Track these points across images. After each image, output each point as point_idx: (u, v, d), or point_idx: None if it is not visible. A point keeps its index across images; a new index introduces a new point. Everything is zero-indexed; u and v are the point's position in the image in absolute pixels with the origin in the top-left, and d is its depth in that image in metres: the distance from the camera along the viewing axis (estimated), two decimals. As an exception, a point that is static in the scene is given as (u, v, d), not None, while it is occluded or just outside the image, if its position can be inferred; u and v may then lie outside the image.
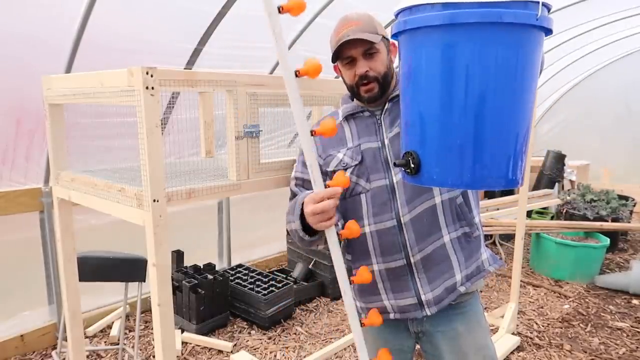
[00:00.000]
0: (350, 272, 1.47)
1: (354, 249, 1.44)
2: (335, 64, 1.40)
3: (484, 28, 0.94)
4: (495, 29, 0.94)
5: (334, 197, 1.16)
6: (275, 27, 1.09)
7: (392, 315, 1.43)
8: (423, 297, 1.36)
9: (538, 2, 0.93)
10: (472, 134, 0.99)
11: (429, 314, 1.38)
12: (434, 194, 1.33)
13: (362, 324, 1.25)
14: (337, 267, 1.21)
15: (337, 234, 1.19)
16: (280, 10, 1.07)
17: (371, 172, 1.36)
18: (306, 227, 1.24)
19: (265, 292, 3.24)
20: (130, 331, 3.14)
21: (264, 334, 3.16)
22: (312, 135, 1.16)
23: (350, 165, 1.37)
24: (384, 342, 1.50)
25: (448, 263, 1.36)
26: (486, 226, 4.18)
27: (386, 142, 1.35)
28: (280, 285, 3.35)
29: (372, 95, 1.34)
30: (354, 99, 1.44)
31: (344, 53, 1.32)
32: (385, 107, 1.38)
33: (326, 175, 1.41)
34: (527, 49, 0.97)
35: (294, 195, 1.42)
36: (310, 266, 3.79)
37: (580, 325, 3.35)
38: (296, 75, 1.11)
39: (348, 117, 1.43)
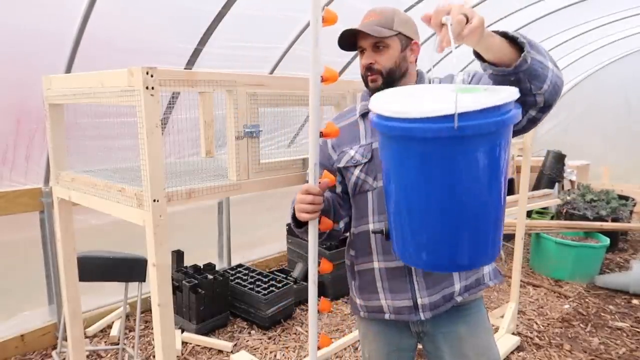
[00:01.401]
0: (352, 268, 1.49)
1: (358, 246, 1.45)
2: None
3: (426, 141, 0.96)
4: (432, 141, 0.95)
5: (317, 194, 1.26)
6: (318, 36, 1.20)
7: (387, 316, 1.43)
8: (419, 301, 1.37)
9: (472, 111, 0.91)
10: (431, 229, 1.05)
11: (423, 318, 1.39)
12: None
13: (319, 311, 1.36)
14: (310, 258, 1.33)
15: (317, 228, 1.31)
16: (322, 20, 1.20)
17: (379, 171, 1.37)
18: (295, 217, 1.34)
19: (265, 292, 3.24)
20: (130, 331, 3.14)
21: (264, 334, 3.16)
22: (320, 136, 1.26)
23: (360, 163, 1.39)
24: (384, 341, 1.50)
25: (448, 273, 1.37)
26: (486, 226, 4.17)
27: None
28: (280, 285, 3.35)
29: (375, 86, 1.36)
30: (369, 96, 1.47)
31: (358, 43, 1.37)
32: None
33: (339, 171, 1.45)
34: (474, 153, 0.96)
35: None
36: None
37: (580, 325, 3.35)
38: (321, 81, 1.24)
39: (364, 115, 1.44)
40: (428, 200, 1.02)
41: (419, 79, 1.42)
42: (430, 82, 1.41)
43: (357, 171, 1.39)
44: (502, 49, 1.06)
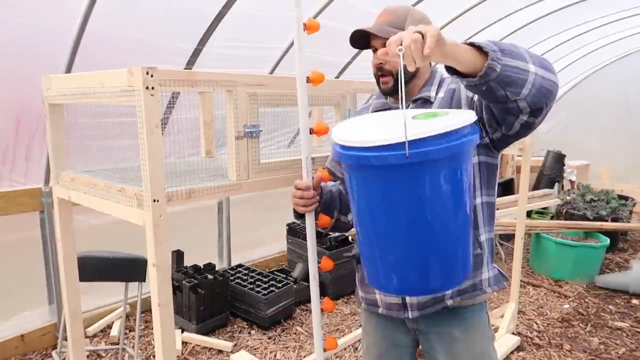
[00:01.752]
0: (357, 264, 1.51)
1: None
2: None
3: (382, 169, 0.97)
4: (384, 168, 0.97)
5: (305, 189, 1.30)
6: (301, 42, 1.30)
7: (380, 310, 1.45)
8: (407, 299, 1.38)
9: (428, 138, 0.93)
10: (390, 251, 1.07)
11: (410, 316, 1.39)
12: None
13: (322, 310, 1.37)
14: (310, 253, 1.37)
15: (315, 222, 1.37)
16: (305, 27, 1.30)
17: None
18: None
19: (265, 292, 3.24)
20: (130, 331, 3.14)
21: (264, 334, 3.16)
22: (310, 133, 1.31)
23: None
24: (381, 336, 1.52)
25: None
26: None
27: None
28: (280, 285, 3.35)
29: (386, 88, 1.37)
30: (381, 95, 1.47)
31: (371, 43, 1.37)
32: (409, 107, 1.39)
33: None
34: (429, 178, 0.98)
35: None
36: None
37: (580, 325, 3.35)
38: (307, 81, 1.30)
39: (377, 112, 1.45)
40: (393, 226, 1.03)
41: (432, 77, 1.41)
42: (443, 80, 1.41)
43: None
44: (470, 59, 1.03)
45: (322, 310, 1.38)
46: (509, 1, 4.25)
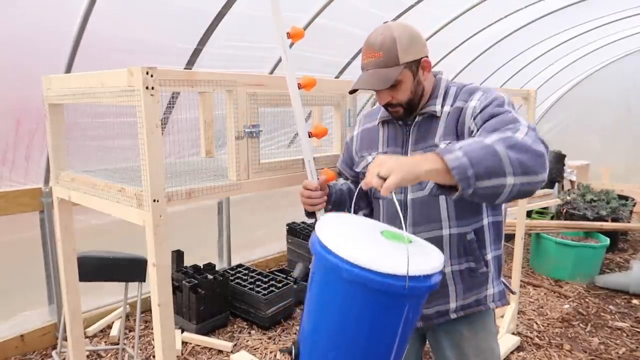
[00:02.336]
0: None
1: None
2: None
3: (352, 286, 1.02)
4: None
5: (313, 189, 1.35)
6: (286, 50, 1.31)
7: None
8: None
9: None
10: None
11: (417, 326, 1.42)
12: (443, 226, 1.34)
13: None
14: None
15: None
16: (288, 36, 1.31)
17: None
18: None
19: (265, 292, 3.24)
20: (130, 331, 3.14)
21: (264, 334, 3.16)
22: (309, 137, 1.37)
23: None
24: None
25: (445, 291, 1.38)
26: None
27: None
28: (280, 285, 3.35)
29: (398, 116, 1.37)
30: None
31: None
32: (415, 120, 1.37)
33: (357, 174, 1.53)
34: (405, 307, 1.04)
35: None
36: (310, 266, 3.79)
37: (580, 325, 3.35)
38: (298, 87, 1.34)
39: (384, 122, 1.46)
40: (348, 334, 1.08)
41: (436, 88, 1.37)
42: (446, 93, 1.36)
43: None
44: (444, 180, 1.05)
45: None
46: (509, 1, 4.25)
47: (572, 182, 6.21)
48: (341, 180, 1.58)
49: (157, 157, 1.16)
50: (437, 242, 1.33)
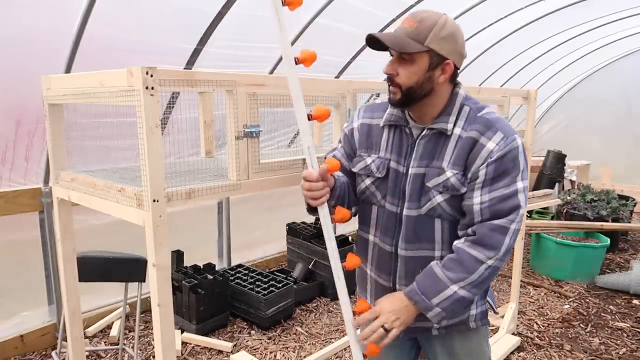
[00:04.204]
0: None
1: (358, 246, 1.50)
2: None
3: None
4: None
5: (314, 180, 1.23)
6: (282, 20, 1.23)
7: None
8: None
9: None
10: None
11: (401, 335, 1.36)
12: (435, 248, 1.32)
13: (354, 314, 1.36)
14: (330, 247, 1.32)
15: (330, 216, 1.30)
16: (283, 3, 1.21)
17: (389, 192, 1.35)
18: None
19: (265, 292, 3.24)
20: (130, 331, 3.14)
21: (264, 334, 3.16)
22: (309, 119, 1.25)
23: (374, 176, 1.36)
24: None
25: None
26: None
27: (410, 171, 1.31)
28: (280, 285, 3.35)
29: (393, 99, 1.28)
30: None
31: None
32: (423, 132, 1.30)
33: (351, 172, 1.43)
34: None
35: None
36: (310, 266, 3.79)
37: (581, 325, 3.35)
38: (296, 63, 1.23)
39: (390, 126, 1.37)
40: None
41: (450, 104, 1.29)
42: (460, 112, 1.29)
43: (368, 181, 1.38)
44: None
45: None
46: (509, 1, 4.25)
47: (572, 182, 6.20)
48: (339, 173, 1.44)
49: (157, 157, 1.16)
50: (427, 261, 1.31)
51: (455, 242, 1.28)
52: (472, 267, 1.22)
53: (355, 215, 1.47)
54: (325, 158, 1.34)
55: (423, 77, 1.23)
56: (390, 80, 1.27)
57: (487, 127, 1.25)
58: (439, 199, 1.27)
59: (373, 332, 1.25)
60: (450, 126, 1.27)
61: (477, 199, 1.24)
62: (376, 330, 1.24)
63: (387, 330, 1.24)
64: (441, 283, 1.24)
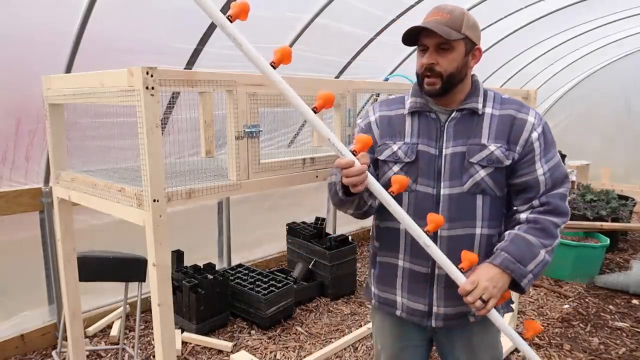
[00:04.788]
0: (374, 258, 1.49)
1: (384, 239, 1.46)
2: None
3: None
4: None
5: (347, 166, 1.19)
6: (237, 36, 1.20)
7: (398, 312, 1.45)
8: (434, 309, 1.39)
9: None
10: None
11: (434, 325, 1.41)
12: (477, 225, 1.35)
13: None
14: (402, 219, 1.28)
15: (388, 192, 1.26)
16: (230, 19, 1.19)
17: (420, 175, 1.36)
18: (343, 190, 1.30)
19: (265, 292, 3.24)
20: (130, 331, 3.14)
21: (264, 334, 3.16)
22: (315, 112, 1.22)
23: (402, 161, 1.38)
24: (396, 336, 1.53)
25: None
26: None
27: (444, 152, 1.34)
28: (280, 285, 3.35)
29: (432, 89, 1.32)
30: (423, 95, 1.40)
31: (421, 40, 1.32)
32: (452, 115, 1.36)
33: (376, 162, 1.42)
34: None
35: None
36: (310, 266, 3.79)
37: (580, 325, 3.35)
38: (273, 67, 1.23)
39: (414, 112, 1.41)
40: None
41: (474, 88, 1.37)
42: (485, 95, 1.38)
43: (396, 168, 1.38)
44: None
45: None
46: (509, 1, 4.25)
47: (572, 182, 6.21)
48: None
49: (157, 157, 1.16)
50: (469, 240, 1.34)
51: (527, 214, 1.35)
52: (555, 233, 1.32)
53: (376, 208, 1.42)
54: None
55: (461, 63, 1.31)
56: (430, 70, 1.30)
57: (521, 106, 1.38)
58: (482, 173, 1.32)
59: (475, 301, 1.25)
60: (480, 105, 1.35)
61: (540, 170, 1.33)
62: (476, 300, 1.24)
63: (484, 302, 1.24)
64: (535, 248, 1.29)
